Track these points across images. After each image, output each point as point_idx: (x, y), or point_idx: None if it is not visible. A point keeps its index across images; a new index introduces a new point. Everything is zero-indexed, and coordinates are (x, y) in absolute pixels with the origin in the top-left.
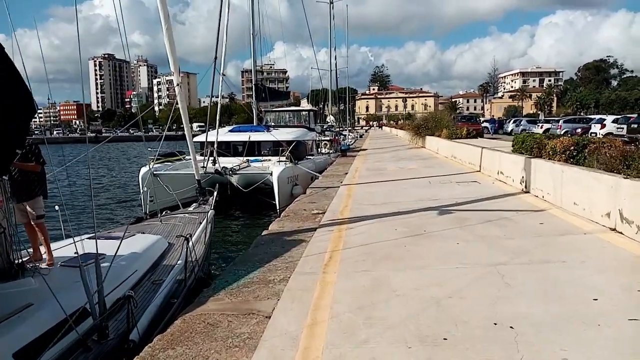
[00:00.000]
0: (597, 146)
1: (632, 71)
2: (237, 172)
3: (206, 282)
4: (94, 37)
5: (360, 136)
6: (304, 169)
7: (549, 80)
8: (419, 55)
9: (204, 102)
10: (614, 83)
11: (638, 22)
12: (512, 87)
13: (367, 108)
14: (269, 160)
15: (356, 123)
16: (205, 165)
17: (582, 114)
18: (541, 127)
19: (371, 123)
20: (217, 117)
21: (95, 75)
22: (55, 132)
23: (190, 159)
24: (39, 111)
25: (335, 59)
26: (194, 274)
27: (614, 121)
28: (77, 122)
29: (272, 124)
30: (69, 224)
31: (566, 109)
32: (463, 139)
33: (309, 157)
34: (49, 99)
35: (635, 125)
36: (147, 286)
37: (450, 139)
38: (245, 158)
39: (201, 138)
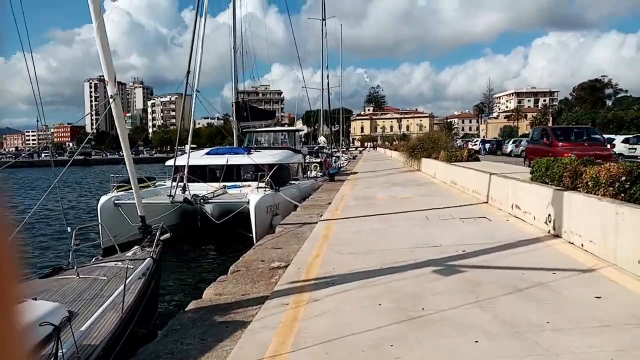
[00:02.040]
0: None
1: (626, 91)
2: (210, 200)
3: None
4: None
5: (354, 157)
6: (284, 196)
7: (544, 100)
8: (414, 77)
9: (199, 123)
10: (609, 103)
11: (629, 43)
12: (507, 107)
13: (362, 129)
14: (249, 186)
15: (351, 144)
16: (172, 193)
17: None
18: None
19: (366, 144)
20: (190, 138)
21: (90, 97)
22: (43, 155)
23: (162, 185)
24: (32, 133)
25: (328, 77)
26: None
27: (625, 141)
28: (70, 144)
29: (255, 145)
30: None
31: None
32: (463, 162)
33: (293, 182)
34: (38, 120)
35: None
36: None
37: (448, 162)
38: (222, 184)
39: (179, 161)
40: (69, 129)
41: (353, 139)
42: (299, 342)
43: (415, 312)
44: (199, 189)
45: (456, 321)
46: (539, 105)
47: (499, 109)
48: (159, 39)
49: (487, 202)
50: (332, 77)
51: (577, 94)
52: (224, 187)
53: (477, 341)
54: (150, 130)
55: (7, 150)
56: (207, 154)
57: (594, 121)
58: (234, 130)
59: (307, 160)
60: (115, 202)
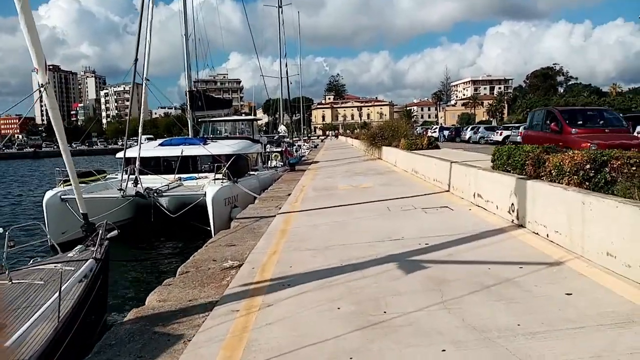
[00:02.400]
0: (624, 163)
1: (576, 78)
2: (164, 193)
3: None
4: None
5: (315, 146)
6: (243, 188)
7: (499, 88)
8: (373, 65)
9: (155, 113)
10: (561, 90)
11: (576, 32)
12: (464, 95)
13: (323, 117)
14: (206, 177)
15: (313, 132)
16: (123, 187)
17: None
18: (500, 135)
19: (327, 133)
20: (140, 129)
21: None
22: None
23: (113, 178)
24: None
25: (286, 66)
26: None
27: None
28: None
29: (211, 136)
30: None
31: (517, 116)
32: (424, 150)
33: (252, 172)
34: None
35: None
36: None
37: (409, 150)
38: (177, 176)
39: (130, 153)
40: (17, 120)
41: (315, 128)
42: (248, 357)
43: (377, 317)
44: (152, 181)
45: (421, 326)
46: (495, 93)
47: (457, 96)
48: (110, 27)
49: (448, 191)
50: (292, 65)
51: (531, 81)
52: (179, 179)
53: (444, 350)
54: (104, 120)
55: None
56: (161, 145)
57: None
58: (188, 120)
59: (267, 150)
60: (62, 197)
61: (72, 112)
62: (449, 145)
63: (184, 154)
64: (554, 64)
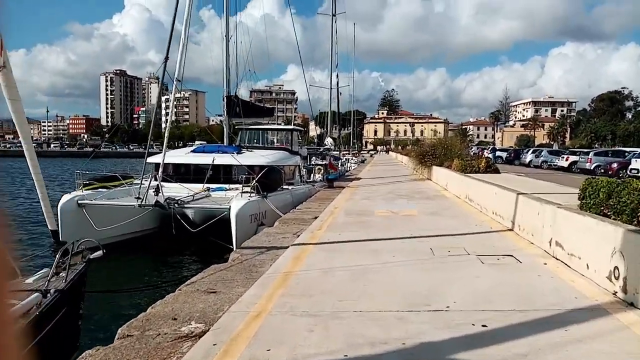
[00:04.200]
0: None
1: None
2: (186, 204)
3: None
4: (111, 54)
5: (363, 161)
6: (270, 204)
7: (562, 111)
8: (429, 82)
9: (212, 120)
10: (629, 115)
11: None
12: (523, 115)
13: (375, 132)
14: (237, 189)
15: (364, 147)
16: (141, 195)
17: (597, 145)
18: (566, 160)
19: (378, 148)
20: (166, 134)
21: (106, 90)
22: (52, 146)
23: (140, 183)
24: (48, 124)
25: (337, 77)
26: None
27: None
28: (85, 136)
29: (247, 144)
30: None
31: (580, 140)
32: (481, 173)
33: (287, 187)
34: (47, 111)
35: None
36: None
37: (463, 173)
38: (206, 186)
39: (156, 159)
40: (84, 121)
41: (366, 142)
42: None
43: None
44: (178, 190)
45: None
46: (557, 115)
47: (515, 117)
48: (176, 36)
49: (512, 230)
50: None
51: (596, 105)
52: (208, 189)
53: None
54: (163, 125)
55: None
56: (193, 151)
57: (614, 133)
58: (224, 127)
59: (312, 163)
60: (80, 202)
61: (135, 116)
62: (508, 169)
63: (215, 162)
64: (622, 88)
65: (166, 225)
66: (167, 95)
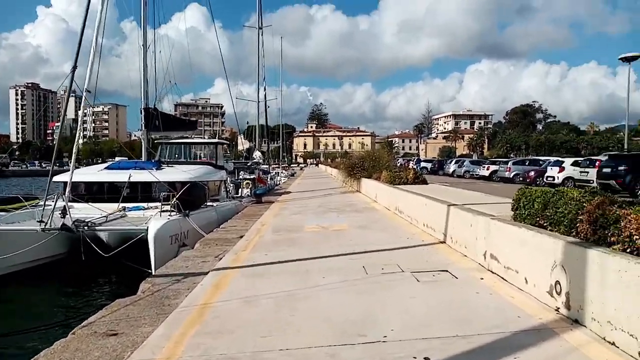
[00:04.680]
0: None
1: (555, 116)
2: (97, 227)
3: None
4: (23, 66)
5: (292, 174)
6: (192, 224)
7: (480, 123)
8: (356, 97)
9: (134, 135)
10: (539, 127)
11: (553, 73)
12: (444, 128)
13: (304, 145)
14: (156, 208)
15: (294, 160)
16: (44, 218)
17: (512, 155)
18: (487, 169)
19: (308, 161)
20: (74, 149)
21: (17, 104)
22: None
23: (45, 206)
24: None
25: (265, 90)
26: None
27: (575, 164)
28: None
29: (167, 160)
30: None
31: (497, 150)
32: (409, 184)
33: (212, 203)
34: None
35: (608, 170)
36: None
37: (392, 184)
38: (122, 205)
39: (64, 177)
40: None
41: (296, 156)
42: None
43: None
44: (89, 211)
45: None
46: (475, 127)
47: (437, 129)
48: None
49: (444, 242)
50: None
51: (510, 117)
52: (124, 208)
53: None
54: (80, 141)
55: None
56: (108, 168)
57: (527, 143)
58: (142, 142)
59: (239, 178)
60: None
61: (49, 131)
62: (434, 179)
63: (131, 179)
64: (533, 102)
65: (76, 250)
66: (86, 109)
